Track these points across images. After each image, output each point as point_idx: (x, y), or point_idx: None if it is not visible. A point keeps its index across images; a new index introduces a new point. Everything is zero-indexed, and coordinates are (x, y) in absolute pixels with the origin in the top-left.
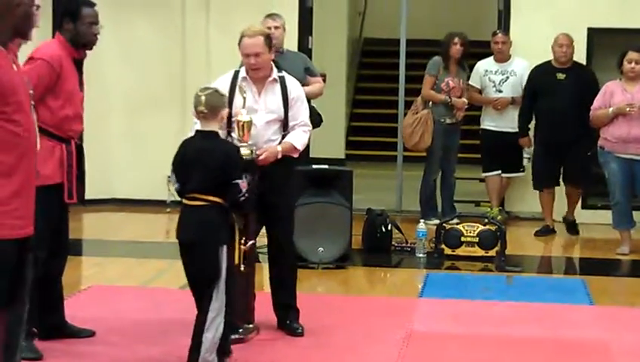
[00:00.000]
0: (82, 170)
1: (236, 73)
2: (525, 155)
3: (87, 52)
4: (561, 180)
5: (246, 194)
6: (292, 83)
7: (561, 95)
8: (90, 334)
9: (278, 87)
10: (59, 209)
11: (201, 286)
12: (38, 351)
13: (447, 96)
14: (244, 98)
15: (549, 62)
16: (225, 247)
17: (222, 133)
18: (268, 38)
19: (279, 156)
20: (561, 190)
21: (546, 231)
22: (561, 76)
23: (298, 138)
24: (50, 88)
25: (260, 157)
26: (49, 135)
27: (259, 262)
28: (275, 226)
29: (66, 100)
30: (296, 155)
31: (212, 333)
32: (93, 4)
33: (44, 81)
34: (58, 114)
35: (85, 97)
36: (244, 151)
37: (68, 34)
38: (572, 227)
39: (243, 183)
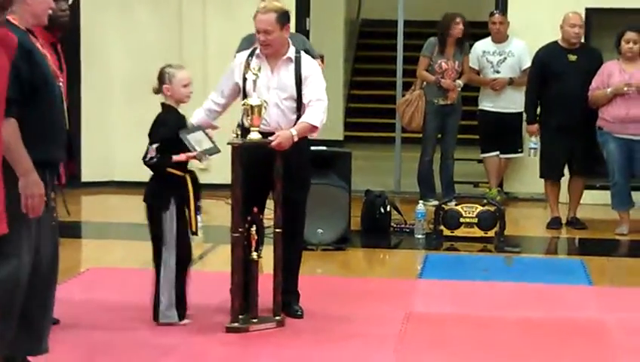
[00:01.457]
0: (70, 153)
1: (254, 50)
2: (532, 145)
3: (91, 37)
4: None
5: (153, 160)
6: (307, 62)
7: (572, 77)
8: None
9: (292, 65)
10: None
11: (153, 244)
12: None
13: (437, 77)
14: (255, 81)
15: (554, 43)
16: (168, 213)
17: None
18: (282, 16)
19: (295, 139)
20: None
21: (558, 223)
22: (572, 58)
23: (313, 115)
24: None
25: (273, 143)
26: None
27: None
28: (289, 214)
29: None
30: (315, 133)
31: (167, 292)
32: None
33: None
34: None
35: (85, 82)
36: (255, 136)
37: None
38: (577, 223)
39: (152, 149)
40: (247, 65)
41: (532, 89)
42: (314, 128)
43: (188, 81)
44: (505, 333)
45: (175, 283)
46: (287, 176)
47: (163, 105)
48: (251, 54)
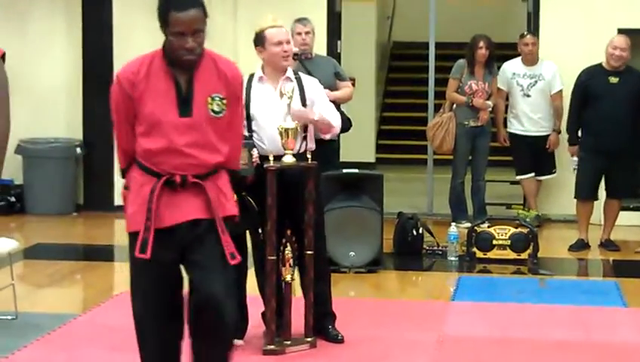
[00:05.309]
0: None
1: (251, 76)
2: (573, 165)
3: (124, 57)
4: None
5: None
6: (308, 82)
7: (613, 99)
8: None
9: (295, 85)
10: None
11: None
12: None
13: (468, 98)
14: (289, 104)
15: (598, 65)
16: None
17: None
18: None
19: (313, 117)
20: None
21: (581, 246)
22: (613, 80)
23: (333, 117)
24: (130, 112)
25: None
26: (139, 166)
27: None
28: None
29: (148, 127)
30: (329, 135)
31: None
32: (188, 5)
33: (117, 103)
34: (140, 143)
35: None
36: (289, 160)
37: (167, 44)
38: (611, 245)
39: None
40: (248, 93)
41: (574, 111)
42: (331, 127)
43: None
44: (539, 356)
45: None
46: (300, 200)
47: None
48: (249, 80)
